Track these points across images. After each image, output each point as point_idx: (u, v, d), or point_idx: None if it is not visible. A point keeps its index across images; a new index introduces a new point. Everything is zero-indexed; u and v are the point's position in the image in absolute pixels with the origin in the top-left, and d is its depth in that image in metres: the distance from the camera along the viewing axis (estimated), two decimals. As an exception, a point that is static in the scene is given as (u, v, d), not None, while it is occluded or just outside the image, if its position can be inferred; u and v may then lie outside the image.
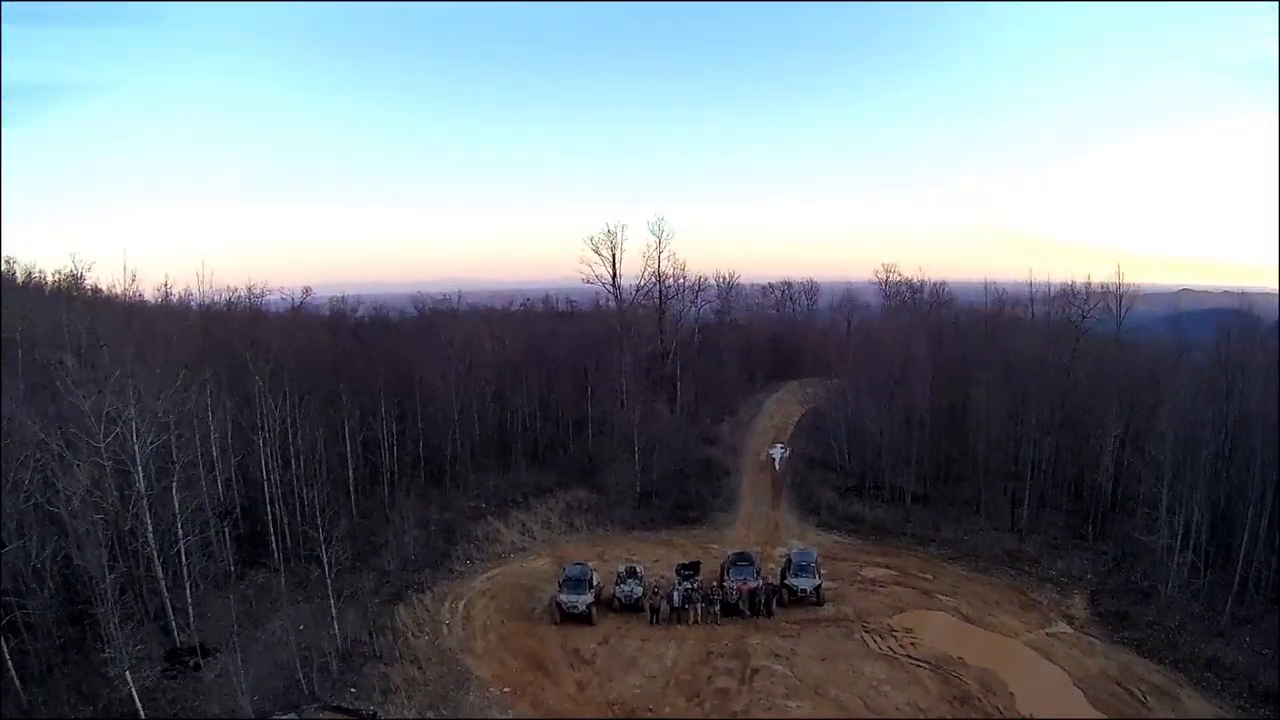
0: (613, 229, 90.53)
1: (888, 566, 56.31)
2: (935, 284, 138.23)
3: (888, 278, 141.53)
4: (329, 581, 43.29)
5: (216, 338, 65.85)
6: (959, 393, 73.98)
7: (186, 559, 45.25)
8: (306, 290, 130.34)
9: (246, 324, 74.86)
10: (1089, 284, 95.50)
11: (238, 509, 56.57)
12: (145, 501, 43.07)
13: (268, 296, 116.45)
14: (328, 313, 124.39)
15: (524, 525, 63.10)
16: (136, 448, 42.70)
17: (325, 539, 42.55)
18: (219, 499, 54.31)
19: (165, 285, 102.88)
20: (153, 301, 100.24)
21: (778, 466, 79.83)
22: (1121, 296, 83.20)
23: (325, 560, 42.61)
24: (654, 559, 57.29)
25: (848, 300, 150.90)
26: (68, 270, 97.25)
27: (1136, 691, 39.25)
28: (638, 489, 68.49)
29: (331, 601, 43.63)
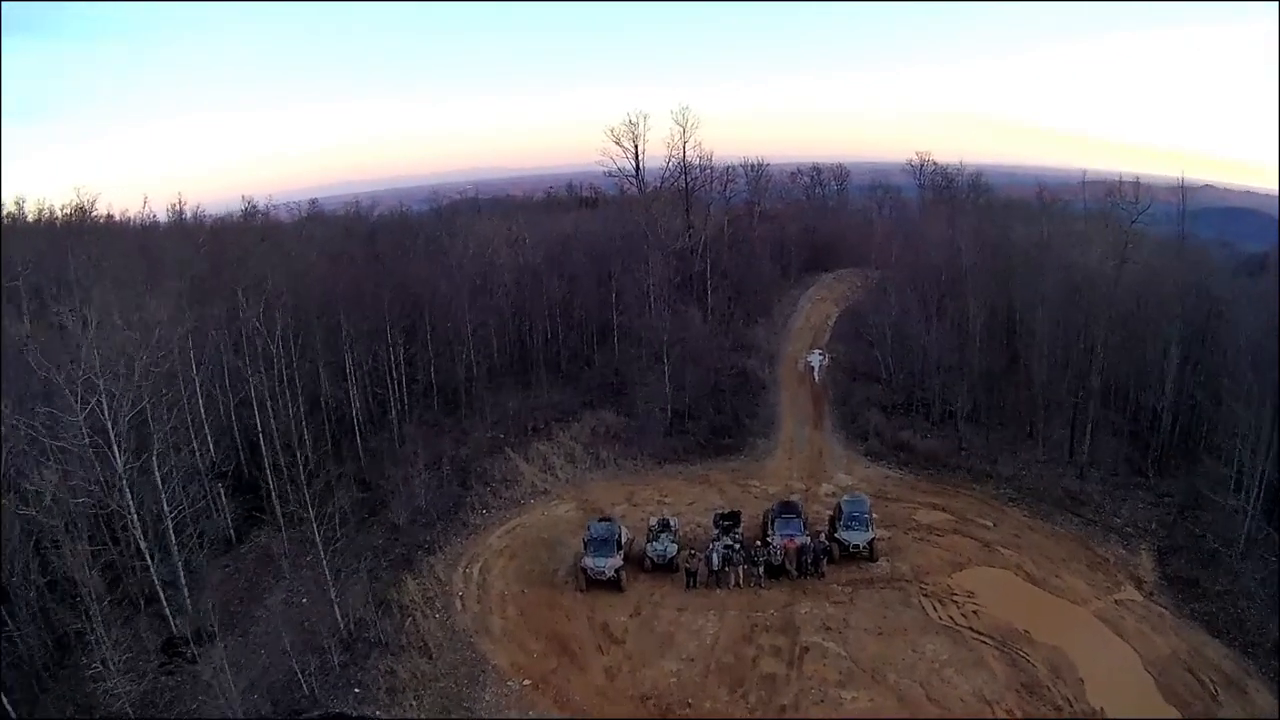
0: (634, 119, 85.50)
1: (944, 509, 51.24)
2: (971, 173, 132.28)
3: (922, 165, 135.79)
4: (324, 562, 39.01)
5: (207, 278, 60.67)
6: (1004, 297, 67.95)
7: (178, 536, 42.19)
8: (313, 203, 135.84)
9: (240, 255, 68.88)
10: (1138, 181, 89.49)
11: (233, 466, 52.85)
12: (125, 481, 39.37)
13: (275, 209, 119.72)
14: (341, 214, 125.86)
15: (545, 460, 57.83)
16: (109, 422, 38.44)
17: (316, 517, 38.04)
18: (212, 459, 50.55)
19: (179, 203, 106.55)
20: (166, 222, 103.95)
21: (817, 376, 74.68)
22: (1185, 193, 76.49)
23: (318, 540, 38.30)
24: (688, 501, 52.63)
25: (880, 186, 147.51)
26: (74, 204, 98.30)
27: (1208, 682, 35.23)
28: (669, 411, 63.08)
29: (330, 583, 39.35)
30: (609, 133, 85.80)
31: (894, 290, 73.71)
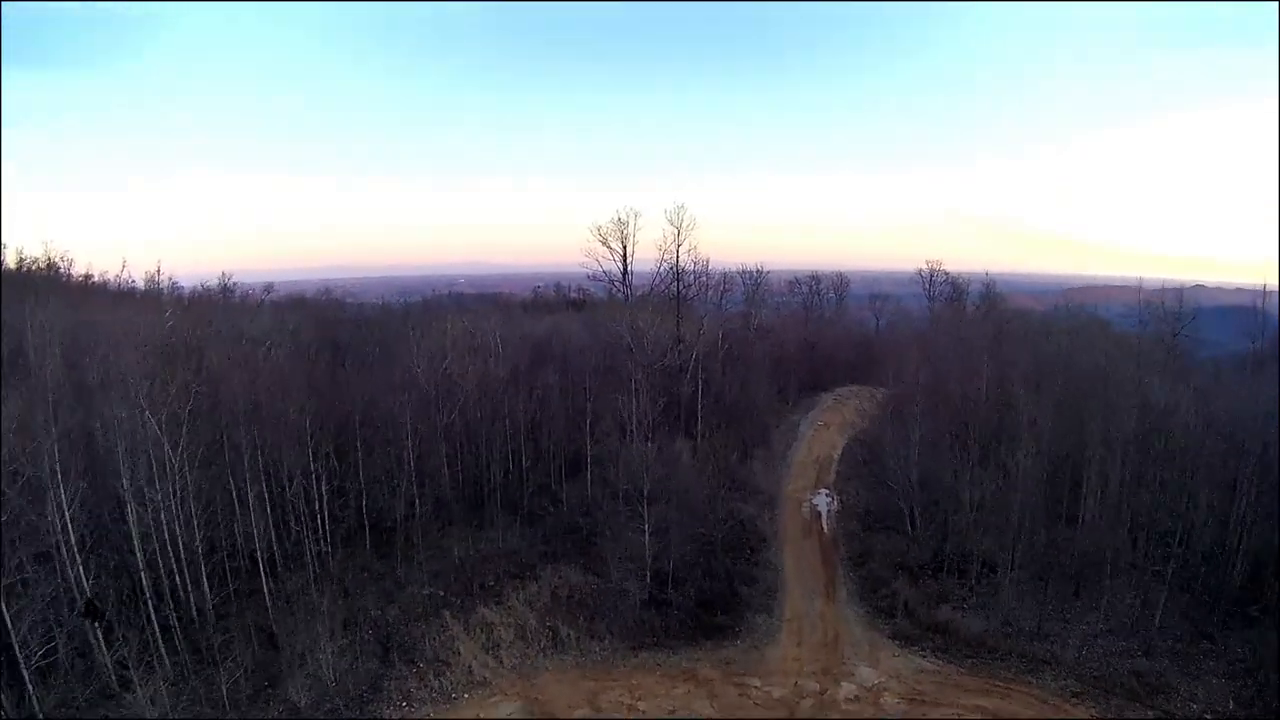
0: (624, 217, 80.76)
1: (995, 715, 39.81)
2: (986, 281, 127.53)
3: (932, 274, 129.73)
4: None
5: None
6: (1056, 434, 57.10)
7: (44, 679, 36.18)
8: (268, 288, 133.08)
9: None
10: (1182, 289, 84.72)
11: (111, 605, 41.57)
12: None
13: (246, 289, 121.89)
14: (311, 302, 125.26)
15: (490, 635, 45.81)
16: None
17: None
18: (86, 593, 40.47)
19: (157, 271, 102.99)
20: (143, 288, 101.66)
21: (825, 525, 63.90)
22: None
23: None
24: (669, 708, 40.44)
25: (880, 296, 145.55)
26: (45, 258, 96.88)
27: None
28: (648, 575, 51.14)
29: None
30: (595, 231, 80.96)
31: (916, 423, 62.84)
